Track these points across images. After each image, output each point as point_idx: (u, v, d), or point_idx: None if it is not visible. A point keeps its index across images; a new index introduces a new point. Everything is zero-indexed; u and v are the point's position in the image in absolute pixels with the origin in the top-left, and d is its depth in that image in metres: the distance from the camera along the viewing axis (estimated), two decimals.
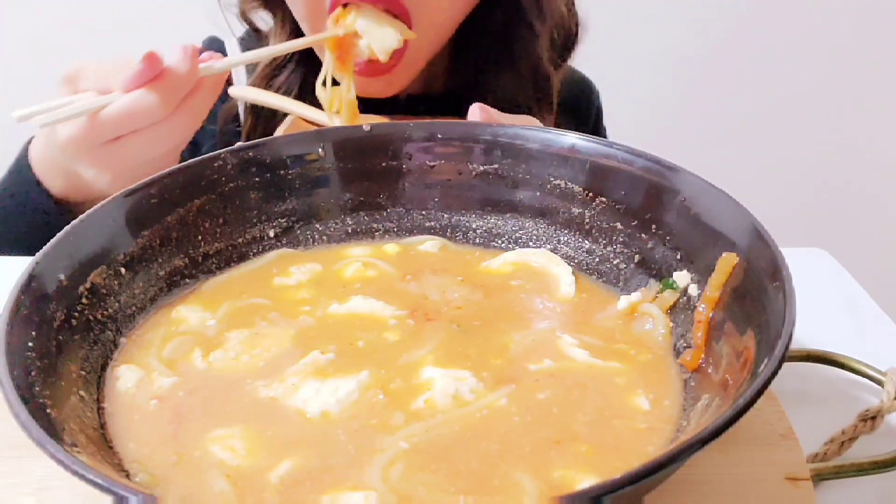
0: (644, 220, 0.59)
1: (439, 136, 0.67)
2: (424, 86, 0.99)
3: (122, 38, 1.58)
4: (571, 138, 0.63)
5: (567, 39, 1.00)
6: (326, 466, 0.44)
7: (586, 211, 0.63)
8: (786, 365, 0.40)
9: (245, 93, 0.85)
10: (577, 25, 1.00)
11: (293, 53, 0.92)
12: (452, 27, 0.90)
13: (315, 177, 0.67)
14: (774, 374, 0.39)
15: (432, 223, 0.68)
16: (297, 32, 0.92)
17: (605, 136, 1.16)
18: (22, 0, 1.76)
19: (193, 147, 1.00)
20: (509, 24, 0.94)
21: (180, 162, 0.80)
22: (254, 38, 1.00)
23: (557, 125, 0.99)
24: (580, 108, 1.09)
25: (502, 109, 0.94)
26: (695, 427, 0.44)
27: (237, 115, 0.98)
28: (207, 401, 0.49)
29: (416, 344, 0.54)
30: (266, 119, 0.92)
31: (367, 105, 0.93)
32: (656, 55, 1.89)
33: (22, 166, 0.81)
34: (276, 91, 0.90)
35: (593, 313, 0.58)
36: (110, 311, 0.55)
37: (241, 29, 1.01)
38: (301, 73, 0.93)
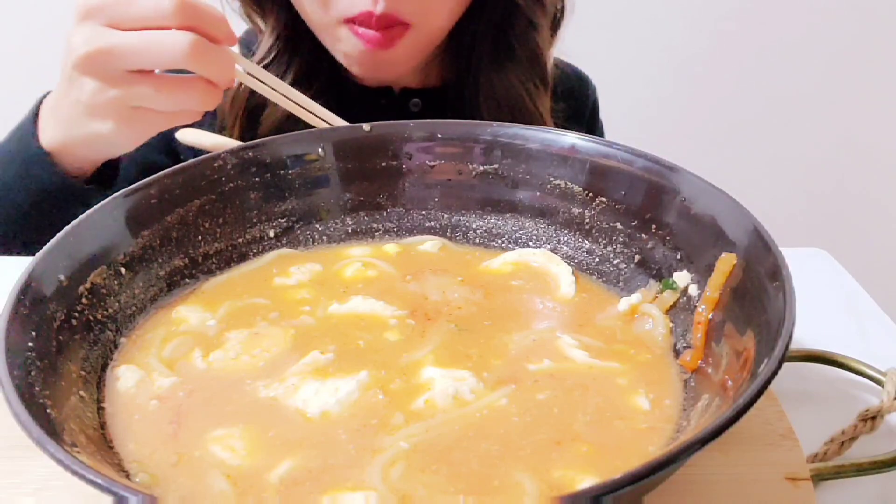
0: (644, 220, 0.59)
1: (439, 135, 0.67)
2: (420, 79, 0.99)
3: None
4: (571, 138, 0.63)
5: (555, 19, 0.99)
6: (326, 466, 0.44)
7: (586, 211, 0.63)
8: (786, 365, 0.40)
9: (191, 137, 0.80)
10: (562, 3, 0.99)
11: (275, 55, 0.92)
12: (459, 12, 0.89)
13: (315, 177, 0.67)
14: (774, 374, 0.39)
15: (432, 223, 0.68)
16: (287, 41, 0.92)
17: (601, 131, 1.16)
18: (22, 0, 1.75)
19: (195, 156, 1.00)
20: (508, 15, 0.93)
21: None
22: (255, 36, 1.00)
23: (552, 119, 0.99)
24: (575, 102, 1.09)
25: (498, 98, 0.93)
26: (695, 427, 0.44)
27: None
28: (207, 401, 0.49)
29: (416, 344, 0.54)
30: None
31: (363, 97, 0.93)
32: (656, 54, 1.89)
33: (25, 131, 0.76)
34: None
35: (593, 313, 0.58)
36: (110, 311, 0.55)
37: (240, 28, 1.01)
38: (291, 72, 0.93)
